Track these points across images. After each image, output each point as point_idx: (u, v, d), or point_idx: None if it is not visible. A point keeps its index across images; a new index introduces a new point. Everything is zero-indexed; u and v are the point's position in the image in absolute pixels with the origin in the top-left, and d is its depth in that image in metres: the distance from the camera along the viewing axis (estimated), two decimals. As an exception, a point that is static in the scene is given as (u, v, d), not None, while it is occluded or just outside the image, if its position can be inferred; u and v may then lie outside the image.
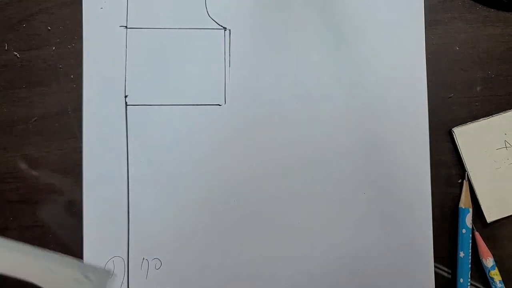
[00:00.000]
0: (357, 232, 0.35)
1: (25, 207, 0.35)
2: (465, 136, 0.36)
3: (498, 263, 0.35)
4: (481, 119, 0.36)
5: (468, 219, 0.35)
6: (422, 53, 0.36)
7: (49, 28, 0.36)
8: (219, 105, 0.36)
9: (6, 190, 0.35)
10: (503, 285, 0.35)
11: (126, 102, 0.35)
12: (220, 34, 0.36)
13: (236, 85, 0.36)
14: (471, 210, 0.35)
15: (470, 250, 0.35)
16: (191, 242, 0.35)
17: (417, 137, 0.36)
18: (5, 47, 0.36)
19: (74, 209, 0.35)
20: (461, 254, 0.35)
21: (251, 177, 0.35)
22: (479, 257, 0.36)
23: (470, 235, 0.35)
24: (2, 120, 0.36)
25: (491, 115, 0.36)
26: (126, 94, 0.35)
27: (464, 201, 0.35)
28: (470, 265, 0.35)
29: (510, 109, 0.36)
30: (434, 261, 0.36)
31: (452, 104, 0.37)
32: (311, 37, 0.36)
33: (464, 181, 0.36)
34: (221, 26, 0.36)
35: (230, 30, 0.36)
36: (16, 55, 0.36)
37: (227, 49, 0.36)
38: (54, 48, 0.36)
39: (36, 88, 0.36)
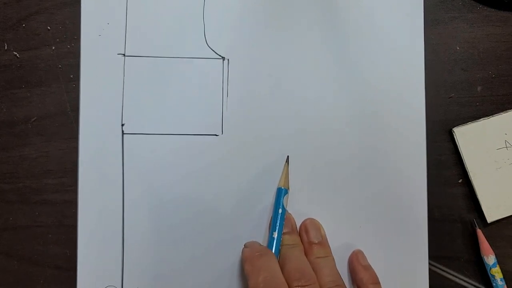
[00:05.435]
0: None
1: (25, 207, 0.35)
2: (466, 136, 0.36)
3: (499, 263, 0.35)
4: (482, 119, 0.36)
5: (285, 200, 0.34)
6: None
7: (49, 28, 0.36)
8: (216, 135, 0.35)
9: (6, 190, 0.35)
10: (504, 282, 0.35)
11: (123, 131, 0.35)
12: (218, 63, 0.36)
13: (234, 116, 0.35)
14: (289, 190, 0.35)
15: (282, 232, 0.33)
16: (186, 272, 0.35)
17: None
18: (4, 47, 0.36)
19: (73, 211, 0.35)
20: (274, 235, 0.33)
21: (249, 208, 0.35)
22: (480, 255, 0.36)
23: (284, 217, 0.34)
24: (2, 120, 0.36)
25: (491, 115, 0.36)
26: (123, 123, 0.35)
27: (283, 182, 0.34)
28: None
29: (510, 109, 0.36)
30: (433, 260, 0.36)
31: (452, 104, 0.37)
32: (311, 69, 0.36)
33: (285, 163, 0.35)
34: (220, 55, 0.36)
35: (228, 60, 0.36)
36: (15, 55, 0.36)
37: (225, 79, 0.36)
38: (53, 48, 0.36)
39: (35, 88, 0.36)
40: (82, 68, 0.35)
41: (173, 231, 0.35)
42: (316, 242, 0.34)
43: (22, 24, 0.36)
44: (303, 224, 0.35)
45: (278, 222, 0.33)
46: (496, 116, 0.36)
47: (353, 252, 0.35)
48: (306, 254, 0.33)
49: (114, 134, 0.35)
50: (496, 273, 0.35)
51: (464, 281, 0.36)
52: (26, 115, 0.36)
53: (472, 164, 0.36)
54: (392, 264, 0.35)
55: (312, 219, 0.35)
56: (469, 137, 0.36)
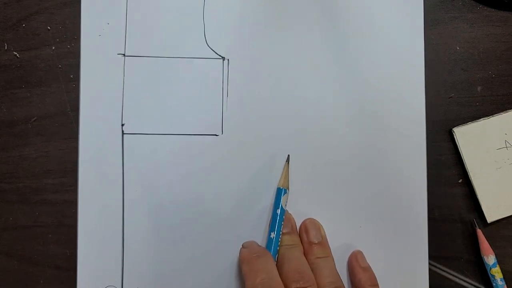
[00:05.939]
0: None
1: (25, 207, 0.35)
2: (466, 136, 0.36)
3: (499, 263, 0.35)
4: (482, 119, 0.36)
5: (284, 200, 0.34)
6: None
7: (49, 28, 0.36)
8: (216, 135, 0.35)
9: (6, 190, 0.35)
10: (504, 282, 0.35)
11: (122, 131, 0.35)
12: (218, 63, 0.36)
13: (234, 116, 0.35)
14: (288, 191, 0.34)
15: (280, 232, 0.33)
16: (186, 272, 0.35)
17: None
18: (4, 47, 0.36)
19: (73, 211, 0.35)
20: (272, 236, 0.33)
21: (249, 208, 0.35)
22: (480, 255, 0.36)
23: (283, 217, 0.34)
24: (2, 120, 0.36)
25: (491, 115, 0.36)
26: (123, 123, 0.35)
27: (283, 182, 0.34)
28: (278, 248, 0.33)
29: (510, 109, 0.36)
30: (433, 260, 0.36)
31: (452, 104, 0.37)
32: (311, 69, 0.36)
33: (286, 162, 0.35)
34: (220, 55, 0.36)
35: (228, 60, 0.36)
36: (15, 55, 0.36)
37: (225, 79, 0.36)
38: (53, 48, 0.36)
39: (35, 88, 0.36)
40: (82, 68, 0.35)
41: (173, 231, 0.35)
42: (316, 242, 0.34)
43: (22, 24, 0.36)
44: (303, 224, 0.35)
45: (277, 222, 0.33)
46: (496, 116, 0.36)
47: (352, 253, 0.35)
48: (305, 254, 0.33)
49: (114, 134, 0.35)
50: (496, 273, 0.35)
51: (464, 281, 0.36)
52: (26, 115, 0.36)
53: (472, 164, 0.36)
54: (392, 264, 0.35)
55: (312, 219, 0.35)
56: (469, 137, 0.36)
